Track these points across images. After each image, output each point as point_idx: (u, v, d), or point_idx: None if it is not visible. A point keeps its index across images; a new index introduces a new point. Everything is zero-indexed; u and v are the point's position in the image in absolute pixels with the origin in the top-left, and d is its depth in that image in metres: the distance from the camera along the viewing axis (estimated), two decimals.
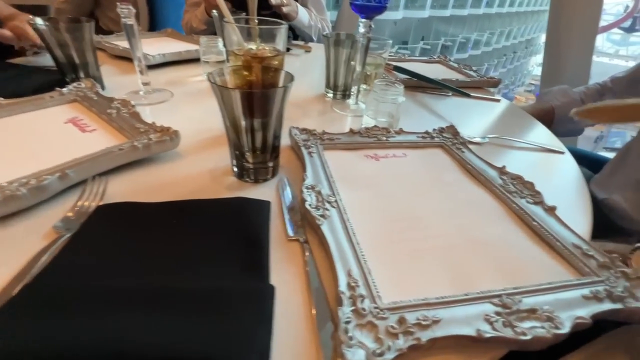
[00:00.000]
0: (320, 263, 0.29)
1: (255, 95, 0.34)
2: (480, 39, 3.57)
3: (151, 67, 0.76)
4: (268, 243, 0.30)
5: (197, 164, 0.43)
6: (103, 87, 0.62)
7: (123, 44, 0.84)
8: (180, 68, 0.80)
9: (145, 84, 0.60)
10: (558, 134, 0.80)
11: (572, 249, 0.31)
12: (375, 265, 0.28)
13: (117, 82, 0.67)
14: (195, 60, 0.79)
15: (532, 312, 0.24)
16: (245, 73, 0.40)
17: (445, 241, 0.32)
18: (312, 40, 1.21)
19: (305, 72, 0.87)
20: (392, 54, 1.00)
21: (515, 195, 0.38)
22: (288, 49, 1.04)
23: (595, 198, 0.66)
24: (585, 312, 0.24)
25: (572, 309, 0.25)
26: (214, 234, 0.30)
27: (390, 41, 0.69)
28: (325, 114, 0.62)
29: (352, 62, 0.64)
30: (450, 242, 0.32)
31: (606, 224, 0.62)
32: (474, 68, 0.89)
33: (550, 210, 0.36)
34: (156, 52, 0.79)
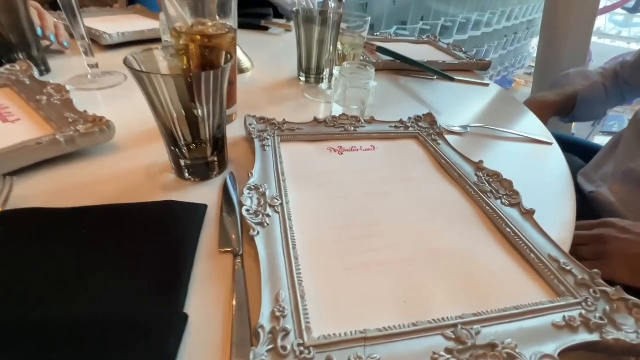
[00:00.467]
0: (252, 281, 0.25)
1: (183, 80, 0.29)
2: (480, 19, 3.43)
3: (110, 47, 0.70)
4: (193, 257, 0.26)
5: (134, 159, 0.38)
6: (47, 70, 0.56)
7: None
8: (142, 48, 0.73)
9: (91, 66, 0.54)
10: (579, 119, 0.75)
11: (548, 262, 0.26)
12: (312, 286, 0.24)
13: (68, 64, 0.61)
14: (159, 40, 0.72)
15: (490, 348, 0.20)
16: (182, 52, 0.34)
17: (402, 253, 0.27)
18: None
19: (282, 53, 0.80)
20: (386, 34, 0.93)
21: (490, 195, 0.34)
22: (267, 28, 0.97)
23: (583, 191, 0.62)
24: (555, 346, 0.20)
25: (539, 341, 0.21)
26: (130, 246, 0.26)
27: (369, 18, 0.62)
28: (294, 100, 0.57)
29: (325, 41, 0.58)
30: (407, 254, 0.27)
31: (594, 218, 0.58)
32: (463, 49, 0.82)
33: (528, 214, 0.31)
34: (116, 30, 0.72)
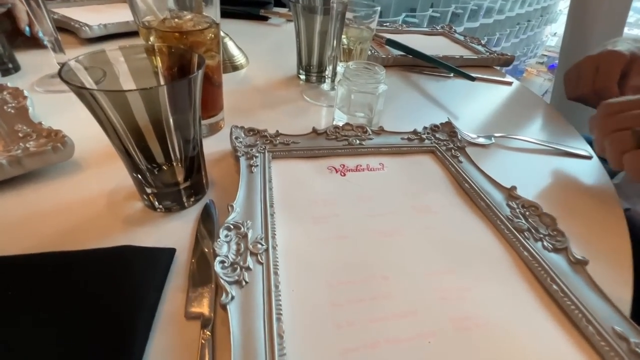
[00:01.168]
0: None
1: (141, 95, 0.22)
2: (493, 6, 3.28)
3: (92, 40, 0.64)
4: (148, 328, 0.20)
5: (97, 181, 0.32)
6: (16, 68, 0.50)
7: (60, 10, 0.70)
8: (127, 42, 0.66)
9: (62, 64, 0.47)
10: None
11: (613, 341, 0.20)
12: None
13: (42, 60, 0.54)
14: None
15: None
16: (149, 51, 0.27)
17: (419, 325, 0.21)
18: None
19: (282, 46, 0.72)
20: (397, 24, 0.84)
21: (527, 235, 0.27)
22: (266, 18, 0.89)
23: None
24: None
25: None
26: (68, 313, 0.20)
27: (379, 8, 0.54)
28: (292, 103, 0.50)
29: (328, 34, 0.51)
30: (427, 327, 0.21)
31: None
32: (482, 42, 0.74)
33: (579, 264, 0.25)
34: (98, 21, 0.65)
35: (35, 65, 0.52)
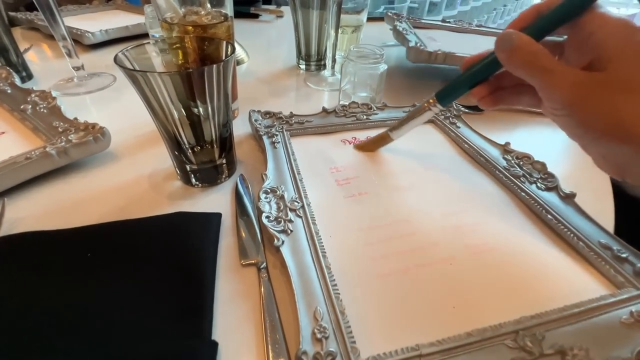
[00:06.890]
0: (282, 297, 0.23)
1: (184, 77, 0.26)
2: None
3: (94, 46, 0.66)
4: (214, 273, 0.24)
5: (133, 168, 0.35)
6: (29, 76, 0.52)
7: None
8: (128, 46, 0.68)
9: (76, 68, 0.50)
10: None
11: (599, 250, 0.24)
12: (350, 298, 0.21)
13: (50, 68, 0.57)
14: (146, 36, 0.68)
15: (560, 356, 0.18)
16: (176, 45, 0.31)
17: (440, 252, 0.25)
18: (286, 4, 1.08)
19: (277, 41, 0.76)
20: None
21: (523, 180, 0.31)
22: (257, 15, 0.92)
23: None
24: (630, 347, 0.18)
25: (610, 344, 0.19)
26: (141, 268, 0.23)
27: (368, 0, 0.58)
28: (296, 90, 0.54)
29: (325, 25, 0.55)
30: (447, 253, 0.25)
31: (627, 211, 0.55)
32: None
33: (568, 197, 0.29)
34: (98, 28, 0.67)
35: (45, 72, 0.55)
